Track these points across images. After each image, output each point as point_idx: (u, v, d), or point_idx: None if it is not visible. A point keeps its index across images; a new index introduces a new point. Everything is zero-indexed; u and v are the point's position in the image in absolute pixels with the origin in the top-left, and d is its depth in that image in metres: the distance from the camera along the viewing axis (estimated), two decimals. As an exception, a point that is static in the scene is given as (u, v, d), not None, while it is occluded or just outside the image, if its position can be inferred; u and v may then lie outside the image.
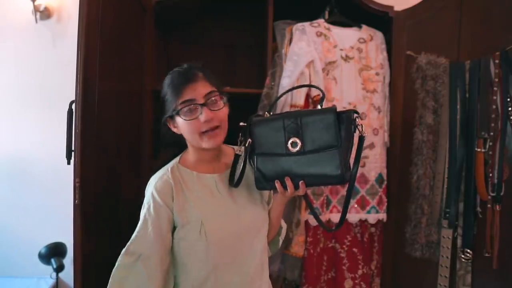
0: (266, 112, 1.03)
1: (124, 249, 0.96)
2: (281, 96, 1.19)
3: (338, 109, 0.93)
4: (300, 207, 1.68)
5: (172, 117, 1.00)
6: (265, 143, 0.98)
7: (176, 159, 1.06)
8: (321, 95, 1.00)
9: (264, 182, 0.98)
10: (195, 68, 1.01)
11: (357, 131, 0.93)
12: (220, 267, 0.98)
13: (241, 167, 1.01)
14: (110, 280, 0.95)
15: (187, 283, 1.00)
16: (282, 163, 0.95)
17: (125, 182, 1.50)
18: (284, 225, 1.20)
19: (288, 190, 0.96)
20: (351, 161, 0.96)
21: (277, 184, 0.96)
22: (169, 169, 1.02)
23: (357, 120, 0.92)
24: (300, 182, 0.94)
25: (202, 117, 0.95)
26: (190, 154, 1.06)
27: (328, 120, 0.91)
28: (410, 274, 1.77)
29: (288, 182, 0.95)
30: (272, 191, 1.12)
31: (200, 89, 0.97)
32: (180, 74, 0.99)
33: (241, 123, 1.00)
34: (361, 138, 0.93)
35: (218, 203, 1.01)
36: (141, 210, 1.00)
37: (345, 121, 0.91)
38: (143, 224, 0.97)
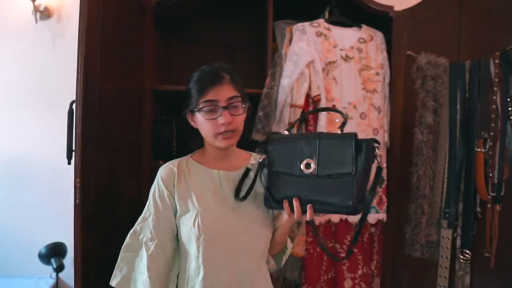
0: (286, 131, 1.02)
1: (132, 229, 1.04)
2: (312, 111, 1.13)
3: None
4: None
5: (192, 112, 1.04)
6: (278, 161, 0.96)
7: (190, 154, 1.13)
8: (340, 117, 0.96)
9: (272, 200, 0.97)
10: (224, 69, 1.04)
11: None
12: (210, 262, 0.98)
13: (251, 181, 1.01)
14: (119, 258, 1.03)
15: (186, 271, 1.02)
16: (293, 183, 0.93)
17: (125, 182, 1.50)
18: (290, 245, 1.19)
19: (295, 213, 0.93)
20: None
21: (285, 205, 0.94)
22: (178, 160, 1.09)
23: (376, 150, 0.88)
24: (308, 206, 0.91)
25: (221, 120, 0.99)
26: (204, 151, 1.11)
27: (346, 147, 0.88)
28: (410, 274, 1.77)
29: (296, 203, 0.92)
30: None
31: (224, 92, 1.00)
32: (208, 74, 1.03)
33: (259, 139, 1.02)
34: (379, 169, 0.90)
35: (218, 198, 1.03)
36: (150, 191, 1.07)
37: (364, 149, 0.87)
38: (148, 208, 1.05)
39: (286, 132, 1.02)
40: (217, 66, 1.06)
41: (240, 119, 1.03)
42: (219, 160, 1.09)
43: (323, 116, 1.66)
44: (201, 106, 1.00)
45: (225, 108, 0.99)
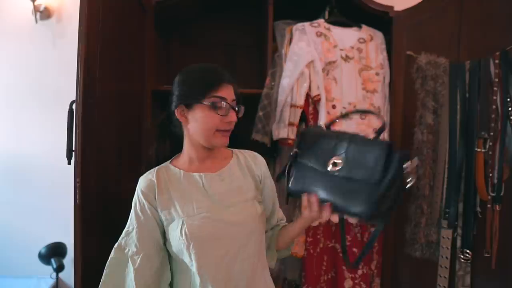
0: (324, 125, 1.02)
1: (116, 243, 1.01)
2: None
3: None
4: (301, 207, 1.68)
5: (190, 106, 1.01)
6: (308, 154, 0.95)
7: (169, 160, 1.10)
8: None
9: (294, 189, 0.96)
10: (228, 72, 1.06)
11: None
12: (205, 269, 0.96)
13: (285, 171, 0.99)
14: (104, 272, 0.99)
15: (185, 283, 1.00)
16: (317, 179, 0.92)
17: (125, 182, 1.50)
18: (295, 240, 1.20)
19: (312, 208, 0.91)
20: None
21: (304, 197, 0.93)
22: (156, 169, 1.06)
23: (405, 165, 0.84)
24: (327, 205, 0.89)
25: (228, 117, 1.00)
26: (184, 154, 1.08)
27: (378, 153, 0.84)
28: (410, 274, 1.77)
29: (313, 199, 0.91)
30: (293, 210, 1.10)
31: (231, 92, 1.03)
32: (219, 71, 1.04)
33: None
34: (403, 186, 0.86)
35: (201, 201, 1.00)
36: (132, 205, 1.04)
37: (397, 162, 0.83)
38: (131, 221, 1.02)
39: (323, 127, 1.01)
40: (220, 67, 1.06)
41: (236, 120, 1.05)
42: (201, 162, 1.07)
43: (323, 116, 1.67)
44: (212, 100, 0.99)
45: (232, 107, 1.02)
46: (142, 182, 1.04)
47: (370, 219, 0.85)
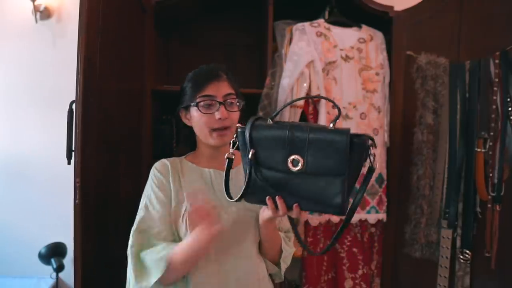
0: (270, 119, 0.89)
1: (134, 228, 0.99)
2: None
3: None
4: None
5: (187, 108, 1.06)
6: (263, 154, 0.86)
7: (184, 156, 1.14)
8: (337, 111, 0.85)
9: (253, 196, 0.89)
10: (220, 68, 1.07)
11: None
12: (201, 261, 0.97)
13: (246, 179, 0.89)
14: (129, 261, 0.96)
15: None
16: (278, 180, 0.85)
17: (125, 182, 1.50)
18: (287, 249, 1.11)
19: (280, 210, 0.86)
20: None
21: (269, 201, 0.87)
22: (171, 159, 1.10)
23: (371, 148, 0.81)
24: (294, 205, 0.85)
25: (218, 114, 1.00)
26: (197, 151, 1.12)
27: (339, 144, 0.79)
28: (410, 274, 1.77)
29: (280, 201, 0.86)
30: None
31: (221, 88, 1.03)
32: (206, 71, 1.06)
33: (239, 125, 0.92)
34: (371, 169, 0.84)
35: (206, 194, 1.03)
36: (144, 192, 1.04)
37: (357, 147, 0.80)
38: (149, 202, 1.01)
39: (271, 121, 0.88)
40: (214, 65, 1.08)
41: (235, 116, 1.04)
42: (213, 159, 1.09)
43: (323, 115, 1.66)
44: (198, 100, 1.02)
45: (221, 103, 1.01)
46: (158, 164, 1.07)
47: (341, 210, 0.82)
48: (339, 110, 0.86)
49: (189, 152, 1.15)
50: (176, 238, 1.00)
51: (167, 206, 1.01)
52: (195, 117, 1.04)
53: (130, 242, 0.97)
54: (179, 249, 0.93)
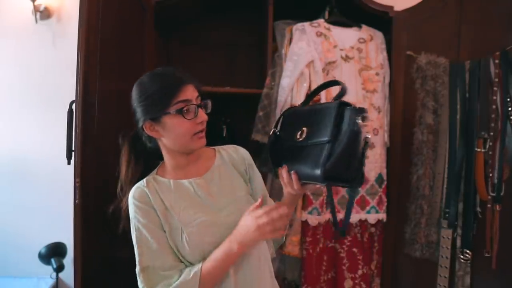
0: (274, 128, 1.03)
1: (137, 270, 0.93)
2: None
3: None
4: (296, 206, 1.68)
5: (156, 119, 0.96)
6: (284, 131, 0.99)
7: (154, 171, 1.05)
8: (338, 91, 0.94)
9: (272, 166, 0.98)
10: (178, 71, 0.99)
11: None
12: None
13: (267, 154, 0.99)
14: None
15: None
16: (288, 151, 0.94)
17: (125, 182, 1.50)
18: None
19: (285, 180, 0.93)
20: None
21: (280, 171, 0.94)
22: (145, 181, 1.01)
23: (359, 120, 0.81)
24: (292, 172, 0.90)
25: (198, 118, 0.96)
26: (166, 164, 1.05)
27: (329, 114, 0.85)
28: (410, 274, 1.77)
29: (284, 170, 0.93)
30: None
31: (193, 91, 0.97)
32: (172, 75, 0.98)
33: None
34: (364, 141, 0.83)
35: (197, 207, 0.98)
36: (131, 228, 0.97)
37: (347, 114, 0.83)
38: (140, 236, 0.95)
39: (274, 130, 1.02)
40: (172, 68, 1.01)
41: (206, 117, 1.01)
42: (186, 168, 1.04)
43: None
44: (176, 106, 0.94)
45: (199, 106, 0.97)
46: (135, 193, 0.98)
47: (322, 178, 0.82)
48: (343, 88, 0.94)
49: (157, 167, 1.07)
50: (182, 259, 0.96)
51: (161, 234, 0.96)
52: (173, 125, 0.96)
53: (140, 284, 0.93)
54: (210, 264, 0.92)
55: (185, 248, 0.94)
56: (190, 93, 0.97)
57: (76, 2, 1.13)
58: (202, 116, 0.97)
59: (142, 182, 1.01)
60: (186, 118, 0.95)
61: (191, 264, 0.95)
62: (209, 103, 1.01)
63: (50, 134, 1.98)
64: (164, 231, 0.96)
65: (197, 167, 1.05)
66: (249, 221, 0.92)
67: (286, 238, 1.13)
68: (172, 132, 0.98)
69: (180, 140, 0.98)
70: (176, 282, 0.90)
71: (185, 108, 0.95)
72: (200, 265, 0.92)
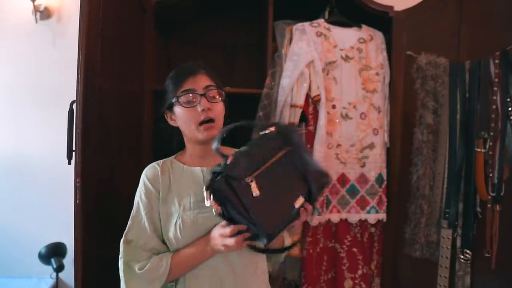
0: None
1: (123, 238, 1.00)
2: None
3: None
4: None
5: (170, 109, 1.06)
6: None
7: (174, 155, 1.13)
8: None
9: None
10: (197, 64, 1.07)
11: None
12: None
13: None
14: (121, 272, 0.98)
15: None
16: None
17: (125, 182, 1.50)
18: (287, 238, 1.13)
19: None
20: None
21: None
22: (162, 161, 1.09)
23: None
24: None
25: (200, 106, 1.00)
26: (186, 151, 1.11)
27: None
28: (410, 274, 1.77)
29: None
30: None
31: (200, 81, 1.03)
32: (183, 68, 1.06)
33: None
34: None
35: (199, 196, 1.00)
36: (135, 197, 1.04)
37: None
38: (137, 212, 1.02)
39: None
40: (192, 62, 1.09)
41: (218, 108, 1.03)
42: (203, 158, 1.07)
43: (323, 116, 1.67)
44: (179, 95, 1.02)
45: (202, 95, 1.01)
46: (148, 170, 1.06)
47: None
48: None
49: (179, 152, 1.14)
50: (166, 244, 1.00)
51: (155, 217, 1.01)
52: (180, 114, 1.03)
53: (120, 254, 0.99)
54: (182, 258, 0.97)
55: (176, 233, 0.97)
56: (196, 83, 1.02)
57: (76, 2, 1.13)
58: (204, 104, 1.00)
59: (158, 162, 1.08)
60: (186, 107, 1.01)
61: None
62: (216, 94, 1.04)
63: (51, 134, 1.99)
64: (160, 218, 1.01)
65: (214, 160, 1.04)
66: (216, 230, 0.95)
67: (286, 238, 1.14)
68: (181, 122, 1.05)
69: (187, 128, 1.04)
70: (148, 266, 0.96)
71: (183, 98, 1.01)
72: (171, 255, 0.97)
